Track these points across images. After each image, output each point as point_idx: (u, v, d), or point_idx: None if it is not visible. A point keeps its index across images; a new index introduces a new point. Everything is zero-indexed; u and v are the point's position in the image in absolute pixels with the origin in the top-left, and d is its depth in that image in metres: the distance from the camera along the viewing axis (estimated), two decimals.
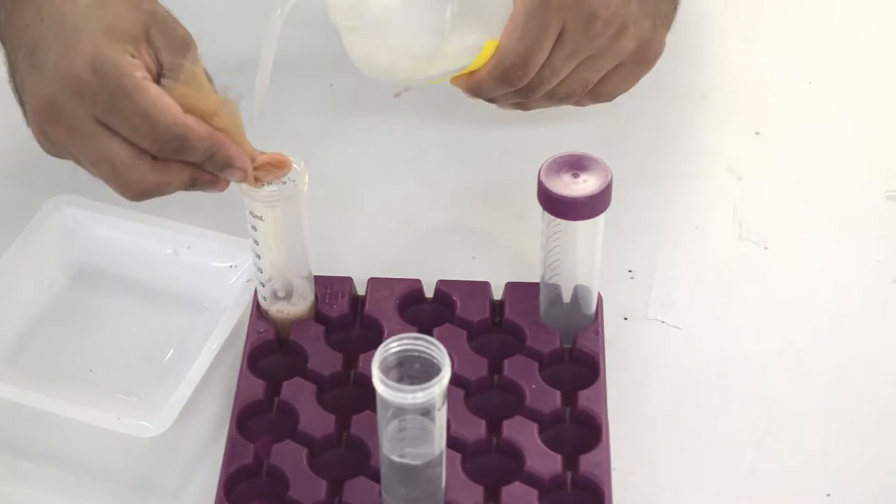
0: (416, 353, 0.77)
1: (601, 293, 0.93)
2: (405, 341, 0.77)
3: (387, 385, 0.76)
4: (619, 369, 0.93)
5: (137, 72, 0.82)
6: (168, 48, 0.84)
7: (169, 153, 0.83)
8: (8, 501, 0.88)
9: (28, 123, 0.87)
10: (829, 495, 0.87)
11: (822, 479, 0.88)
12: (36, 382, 0.90)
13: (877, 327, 0.97)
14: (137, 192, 0.85)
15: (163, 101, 0.82)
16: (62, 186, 1.01)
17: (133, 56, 0.83)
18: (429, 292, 0.95)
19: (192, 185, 0.86)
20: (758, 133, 1.09)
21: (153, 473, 0.88)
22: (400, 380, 0.76)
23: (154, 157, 0.84)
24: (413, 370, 0.77)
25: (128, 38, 0.83)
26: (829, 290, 0.99)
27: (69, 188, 1.01)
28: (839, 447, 0.90)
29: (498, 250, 1.01)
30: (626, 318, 0.97)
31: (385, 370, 0.76)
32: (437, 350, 0.77)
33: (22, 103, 0.88)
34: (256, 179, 0.85)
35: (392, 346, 0.77)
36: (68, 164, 1.06)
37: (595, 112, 1.10)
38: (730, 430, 0.91)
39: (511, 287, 0.94)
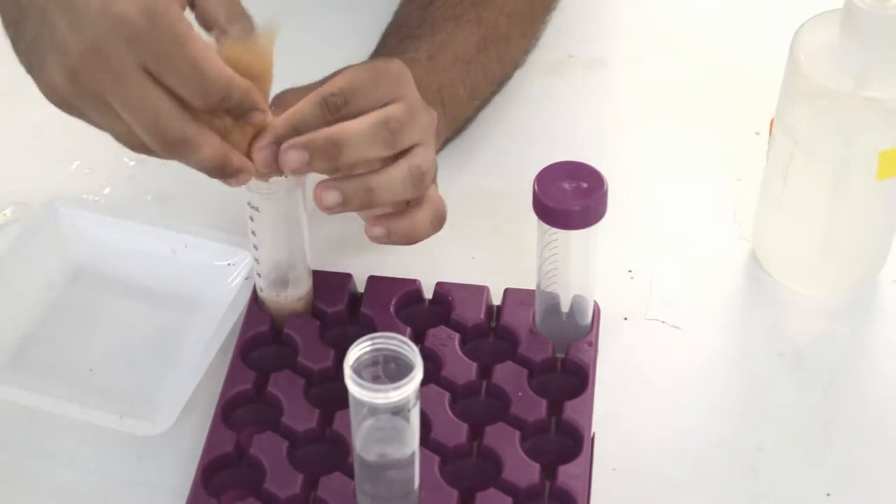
0: (388, 353, 0.76)
1: (599, 299, 0.92)
2: (377, 340, 0.76)
3: (358, 384, 0.75)
4: (619, 369, 0.93)
5: (185, 20, 0.80)
6: None
7: (210, 106, 0.81)
8: (8, 501, 0.88)
9: (41, 74, 0.82)
10: (828, 495, 0.87)
11: (822, 479, 0.88)
12: (36, 382, 0.90)
13: (876, 327, 0.97)
14: (174, 143, 0.82)
15: (209, 52, 0.81)
16: (62, 187, 1.01)
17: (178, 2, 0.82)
18: (428, 293, 0.95)
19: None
20: (758, 133, 1.08)
21: (153, 473, 0.88)
22: (376, 379, 0.76)
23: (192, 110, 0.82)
24: (389, 370, 0.76)
25: None
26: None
27: (69, 188, 1.01)
28: (839, 447, 0.90)
29: (501, 254, 1.01)
30: (626, 319, 0.97)
31: (357, 369, 0.76)
32: (409, 349, 0.76)
33: (31, 54, 0.83)
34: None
35: (363, 345, 0.76)
36: (68, 164, 1.06)
37: (595, 112, 1.10)
38: (730, 429, 0.91)
39: (509, 293, 0.94)
